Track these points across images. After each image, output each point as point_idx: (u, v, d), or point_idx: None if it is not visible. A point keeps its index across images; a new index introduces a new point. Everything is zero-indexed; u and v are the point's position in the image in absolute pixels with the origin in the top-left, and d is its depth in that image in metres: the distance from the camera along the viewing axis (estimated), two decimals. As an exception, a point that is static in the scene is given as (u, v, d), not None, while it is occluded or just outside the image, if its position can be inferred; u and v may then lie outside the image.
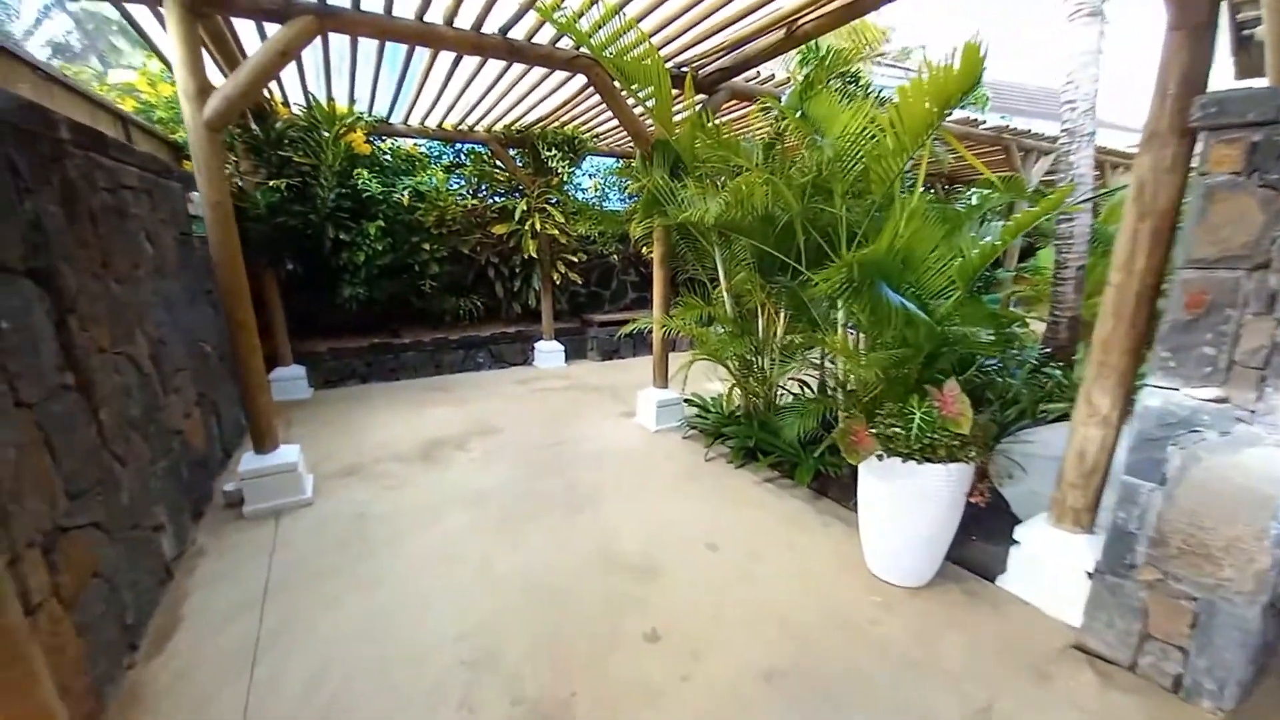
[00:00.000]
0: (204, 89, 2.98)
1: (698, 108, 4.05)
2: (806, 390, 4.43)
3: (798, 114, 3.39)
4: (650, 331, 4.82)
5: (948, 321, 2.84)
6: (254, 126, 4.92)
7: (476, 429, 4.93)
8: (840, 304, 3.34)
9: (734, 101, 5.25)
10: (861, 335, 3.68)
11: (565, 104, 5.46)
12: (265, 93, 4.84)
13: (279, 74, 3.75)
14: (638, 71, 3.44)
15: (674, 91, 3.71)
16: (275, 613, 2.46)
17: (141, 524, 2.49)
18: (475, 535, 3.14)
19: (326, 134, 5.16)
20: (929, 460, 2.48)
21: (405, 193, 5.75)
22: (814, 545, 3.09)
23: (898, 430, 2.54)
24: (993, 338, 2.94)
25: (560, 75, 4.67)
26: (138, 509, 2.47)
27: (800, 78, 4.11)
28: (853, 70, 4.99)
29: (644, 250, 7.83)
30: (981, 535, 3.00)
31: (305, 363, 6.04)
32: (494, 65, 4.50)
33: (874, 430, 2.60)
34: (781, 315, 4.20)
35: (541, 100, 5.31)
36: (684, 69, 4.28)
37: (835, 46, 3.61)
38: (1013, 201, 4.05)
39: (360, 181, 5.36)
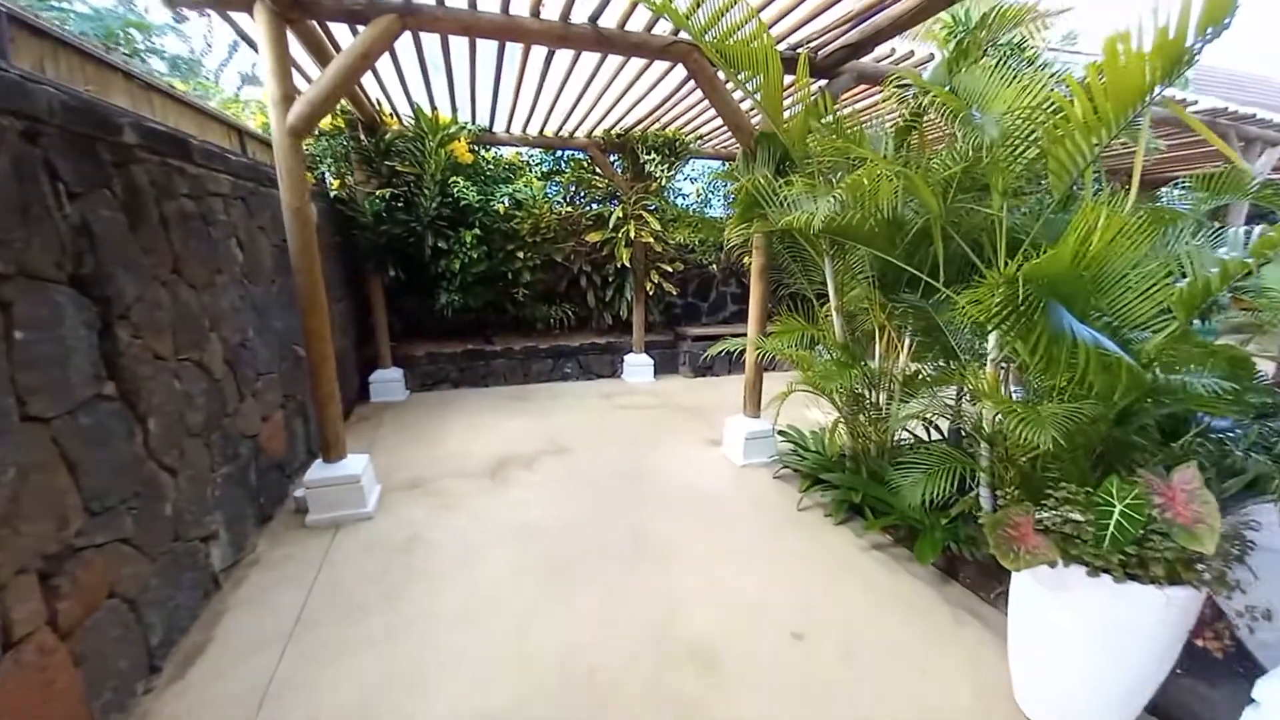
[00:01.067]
0: (289, 95, 2.96)
1: (813, 94, 3.43)
2: (933, 434, 3.58)
3: (946, 89, 2.65)
4: (743, 353, 4.23)
5: (1157, 364, 1.99)
6: (364, 138, 5.10)
7: (549, 447, 4.65)
8: (993, 332, 2.54)
9: (860, 89, 4.52)
10: (1015, 372, 2.83)
11: (664, 102, 5.06)
12: (374, 104, 4.99)
13: (361, 78, 3.73)
14: (743, 56, 2.93)
15: (786, 79, 3.14)
16: (295, 653, 2.27)
17: (187, 535, 2.43)
18: (520, 584, 2.78)
19: (430, 143, 5.22)
20: (1134, 578, 1.67)
21: (504, 200, 5.69)
22: (938, 653, 2.33)
23: (1081, 524, 1.76)
24: (1225, 389, 2.00)
25: (658, 69, 4.28)
26: (185, 520, 2.42)
27: (950, 47, 3.32)
28: (1017, 39, 4.02)
29: (745, 260, 7.21)
30: (1193, 671, 2.06)
31: (404, 366, 6.22)
32: (587, 63, 4.22)
33: (1042, 519, 1.83)
34: (905, 341, 3.42)
35: (639, 100, 4.96)
36: (798, 49, 3.67)
37: (998, 4, 2.80)
38: (1226, 204, 2.92)
39: (458, 189, 5.38)
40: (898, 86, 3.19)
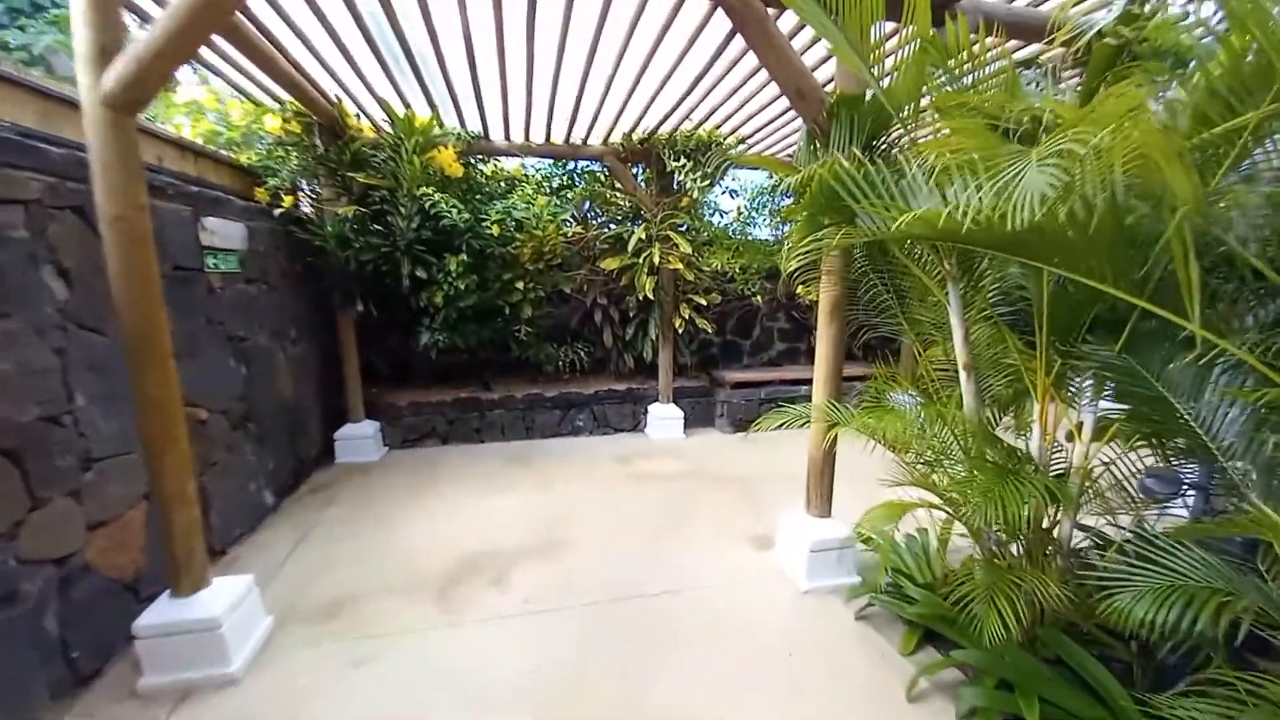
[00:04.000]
0: (108, 47, 1.95)
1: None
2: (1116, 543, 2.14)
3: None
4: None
5: None
6: (319, 143, 4.16)
7: (538, 541, 3.41)
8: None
9: (991, 43, 3.23)
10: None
11: (694, 84, 3.92)
12: (332, 100, 4.05)
13: (225, 21, 2.66)
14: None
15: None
16: None
17: None
18: None
19: (406, 151, 4.24)
20: None
21: (497, 220, 4.65)
22: None
23: None
24: None
25: (683, 33, 3.16)
26: None
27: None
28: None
29: (802, 291, 5.90)
30: None
31: (383, 417, 5.17)
32: (604, 47, 3.15)
33: None
34: (1081, 418, 2.05)
35: (664, 82, 3.84)
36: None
37: None
38: None
39: (440, 207, 4.36)
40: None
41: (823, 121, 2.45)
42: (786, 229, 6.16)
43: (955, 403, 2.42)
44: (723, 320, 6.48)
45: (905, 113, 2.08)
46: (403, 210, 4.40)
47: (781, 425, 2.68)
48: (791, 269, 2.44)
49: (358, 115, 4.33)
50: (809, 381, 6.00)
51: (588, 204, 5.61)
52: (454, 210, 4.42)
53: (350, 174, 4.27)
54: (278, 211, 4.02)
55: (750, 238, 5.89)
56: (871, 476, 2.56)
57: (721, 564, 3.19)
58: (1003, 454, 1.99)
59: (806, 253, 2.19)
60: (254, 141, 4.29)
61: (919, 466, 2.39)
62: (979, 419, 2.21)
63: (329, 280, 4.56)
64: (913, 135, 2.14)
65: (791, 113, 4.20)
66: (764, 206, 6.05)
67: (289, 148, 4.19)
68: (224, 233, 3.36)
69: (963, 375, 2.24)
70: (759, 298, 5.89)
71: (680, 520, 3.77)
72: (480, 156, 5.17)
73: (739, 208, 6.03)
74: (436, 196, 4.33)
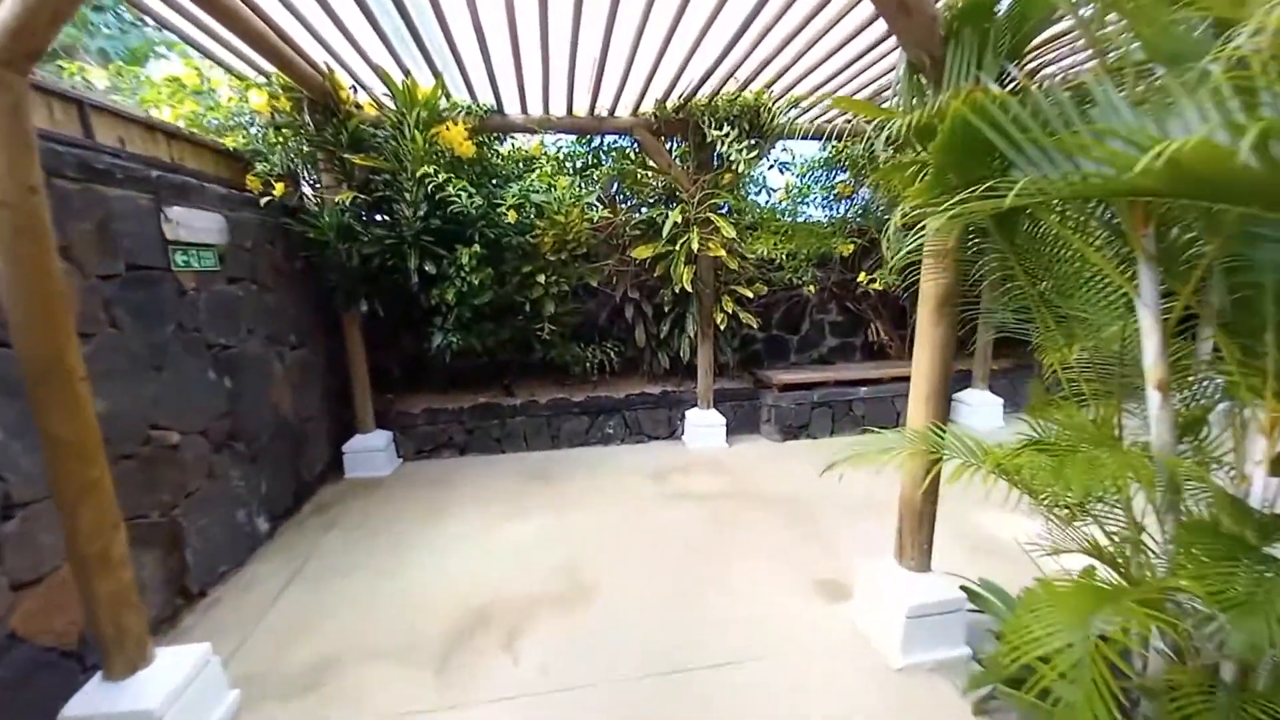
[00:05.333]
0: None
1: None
2: None
3: None
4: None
5: None
6: (309, 120, 3.67)
7: (558, 586, 2.88)
8: None
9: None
10: None
11: (742, 31, 3.25)
12: (323, 70, 3.55)
13: None
14: None
15: None
16: None
17: None
18: None
19: (409, 127, 3.72)
20: None
21: (513, 206, 4.09)
22: None
23: None
24: None
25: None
26: None
27: None
28: None
29: (862, 278, 5.15)
30: None
31: (396, 426, 4.73)
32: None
33: None
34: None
35: (703, 34, 3.19)
36: None
37: None
38: None
39: (449, 192, 3.83)
40: None
41: (934, 46, 1.78)
42: (849, 205, 5.43)
43: (1106, 423, 1.74)
44: (767, 313, 5.80)
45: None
46: (407, 196, 3.89)
47: (871, 462, 2.03)
48: (905, 251, 1.78)
49: (353, 89, 3.82)
50: (869, 383, 5.36)
51: (615, 185, 5.00)
52: (464, 195, 3.88)
53: (348, 156, 3.77)
54: (265, 201, 3.55)
55: (804, 219, 5.18)
56: (957, 505, 1.91)
57: (784, 621, 2.58)
58: (1253, 526, 1.30)
59: (945, 223, 1.52)
60: (247, 124, 3.85)
61: (1078, 524, 1.72)
62: (1169, 449, 1.53)
63: (330, 277, 4.10)
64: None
65: (867, 58, 3.46)
66: (817, 182, 5.32)
67: (284, 129, 3.72)
68: (195, 225, 2.90)
69: (1153, 396, 1.55)
70: (812, 287, 5.18)
71: (729, 556, 3.17)
72: (495, 135, 4.61)
73: (787, 185, 5.31)
74: (442, 178, 3.79)
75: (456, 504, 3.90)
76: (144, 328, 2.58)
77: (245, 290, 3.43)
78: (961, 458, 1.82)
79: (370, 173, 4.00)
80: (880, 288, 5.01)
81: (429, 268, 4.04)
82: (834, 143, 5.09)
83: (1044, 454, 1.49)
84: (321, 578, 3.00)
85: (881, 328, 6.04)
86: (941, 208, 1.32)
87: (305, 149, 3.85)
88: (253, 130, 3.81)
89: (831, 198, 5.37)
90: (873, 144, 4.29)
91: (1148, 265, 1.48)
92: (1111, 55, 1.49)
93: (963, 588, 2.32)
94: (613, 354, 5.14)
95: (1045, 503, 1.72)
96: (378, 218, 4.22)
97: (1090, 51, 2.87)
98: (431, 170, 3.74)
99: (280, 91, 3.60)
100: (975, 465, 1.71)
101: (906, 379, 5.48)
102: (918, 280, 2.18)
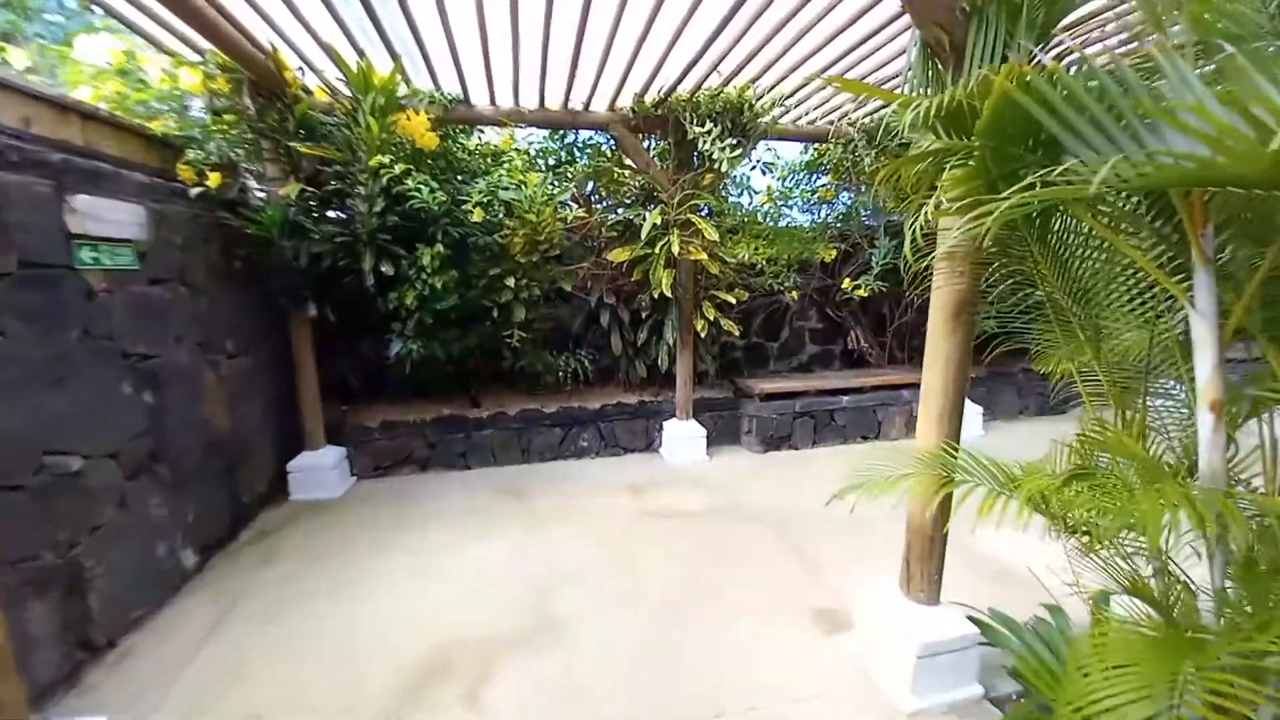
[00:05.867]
0: None
1: None
2: None
3: None
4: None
5: None
6: (248, 103, 3.30)
7: (527, 622, 2.58)
8: None
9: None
10: None
11: (727, 21, 3.05)
12: (266, 50, 3.20)
13: None
14: None
15: None
16: None
17: None
18: None
19: (363, 114, 3.40)
20: None
21: (480, 203, 3.79)
22: None
23: None
24: None
25: None
26: None
27: None
28: None
29: (847, 284, 5.00)
30: None
31: (348, 442, 4.35)
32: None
33: None
34: None
35: (689, 16, 2.98)
36: None
37: None
38: None
39: (408, 186, 3.51)
40: None
41: (954, 24, 1.59)
42: (830, 210, 5.29)
43: (1135, 437, 1.58)
44: (747, 320, 5.61)
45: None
46: (362, 190, 3.55)
47: (888, 491, 1.82)
48: (918, 256, 1.57)
49: (300, 70, 3.47)
50: (851, 392, 5.23)
51: (590, 184, 4.75)
52: (426, 190, 3.57)
53: (294, 144, 3.42)
54: (197, 192, 3.16)
55: (787, 223, 5.03)
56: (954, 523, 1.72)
57: (779, 660, 2.35)
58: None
59: (978, 221, 1.32)
60: (180, 107, 3.45)
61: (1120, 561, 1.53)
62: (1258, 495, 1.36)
63: (275, 278, 3.72)
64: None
65: (866, 45, 3.28)
66: (799, 185, 5.18)
67: (222, 114, 3.35)
68: (107, 216, 2.52)
69: (1205, 419, 1.38)
70: (794, 293, 5.02)
71: (716, 584, 2.93)
72: (460, 127, 4.31)
73: (769, 188, 5.15)
74: (400, 169, 3.47)
75: (415, 527, 3.55)
76: (39, 335, 2.20)
77: (173, 292, 3.04)
78: (982, 484, 1.62)
79: (320, 164, 3.64)
80: (865, 294, 4.88)
81: (386, 268, 3.71)
82: (816, 146, 4.98)
83: (1096, 487, 1.30)
84: (254, 620, 2.63)
85: (861, 335, 5.93)
86: (992, 201, 1.11)
87: (248, 136, 3.47)
88: (190, 114, 3.42)
89: (813, 201, 5.24)
90: (864, 142, 4.18)
91: (1204, 269, 1.31)
92: (1149, 37, 1.32)
93: (972, 618, 2.13)
94: (587, 362, 4.87)
95: (1085, 536, 1.53)
96: (330, 214, 3.86)
97: (1122, 34, 2.77)
98: (388, 161, 3.42)
99: (217, 71, 3.23)
100: (1003, 494, 1.51)
101: (889, 388, 5.35)
102: (921, 288, 2.00)
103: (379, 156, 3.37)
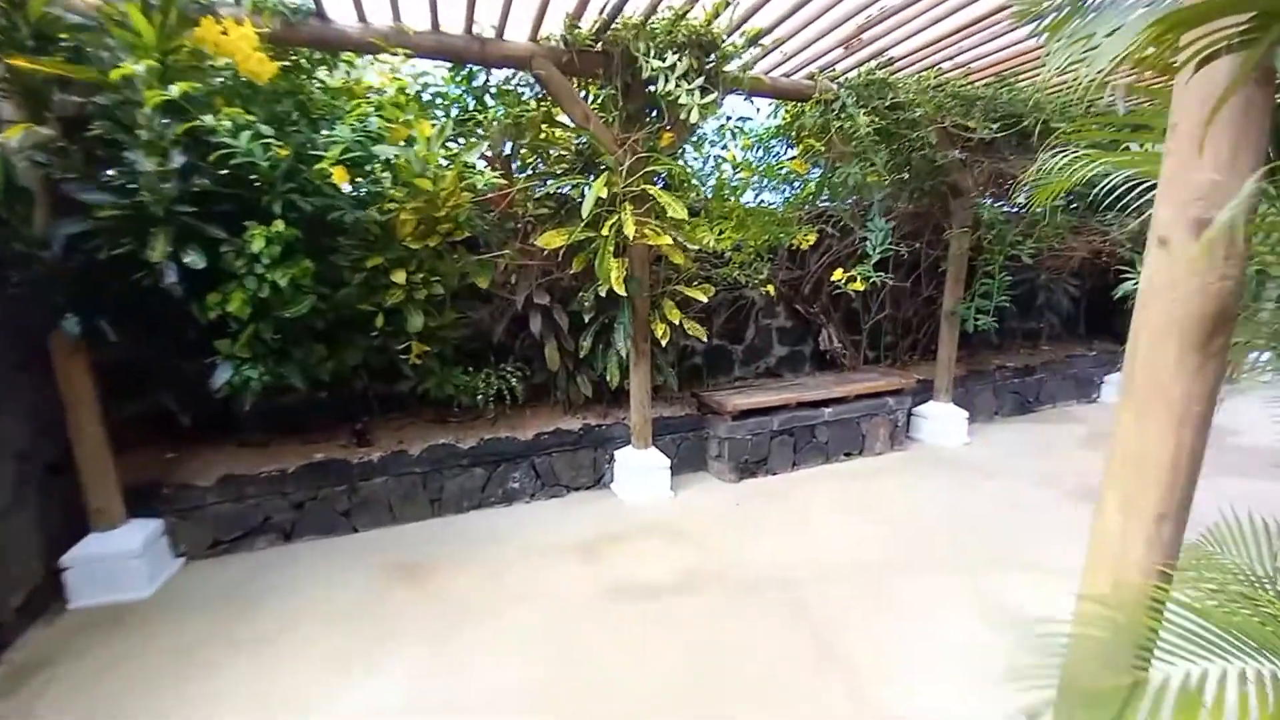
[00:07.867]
0: None
1: None
2: None
3: None
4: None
5: None
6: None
7: None
8: None
9: None
10: None
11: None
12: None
13: None
14: None
15: None
16: None
17: None
18: None
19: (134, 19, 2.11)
20: None
21: (342, 161, 2.59)
22: None
23: None
24: None
25: None
26: None
27: None
28: None
29: (838, 276, 4.09)
30: None
31: (169, 510, 3.02)
32: None
33: None
34: None
35: None
36: None
37: None
38: None
39: (220, 131, 2.26)
40: None
41: None
42: (800, 187, 4.43)
43: None
44: (707, 319, 4.70)
45: None
46: (143, 134, 2.26)
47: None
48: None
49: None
50: (833, 403, 4.43)
51: (509, 145, 3.59)
52: (247, 136, 2.32)
53: (21, 62, 2.08)
54: None
55: (759, 202, 4.12)
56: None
57: None
58: None
59: None
60: None
61: None
62: None
63: (9, 278, 2.36)
64: None
65: None
66: (770, 155, 4.27)
67: None
68: None
69: None
70: (770, 288, 4.14)
71: (716, 713, 1.97)
72: (320, 57, 3.04)
73: (731, 158, 4.20)
74: (202, 108, 2.22)
75: (264, 644, 2.36)
76: None
77: None
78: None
79: (83, 97, 2.31)
80: (860, 288, 4.07)
81: (193, 258, 2.42)
82: (789, 108, 4.10)
83: None
84: None
85: (834, 334, 5.19)
86: None
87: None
88: None
89: (783, 176, 4.35)
90: (852, 99, 3.37)
91: None
92: None
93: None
94: (515, 380, 3.74)
95: None
96: (107, 175, 2.51)
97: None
98: (176, 93, 2.15)
99: None
100: None
101: (873, 395, 4.53)
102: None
103: (170, 88, 2.10)
